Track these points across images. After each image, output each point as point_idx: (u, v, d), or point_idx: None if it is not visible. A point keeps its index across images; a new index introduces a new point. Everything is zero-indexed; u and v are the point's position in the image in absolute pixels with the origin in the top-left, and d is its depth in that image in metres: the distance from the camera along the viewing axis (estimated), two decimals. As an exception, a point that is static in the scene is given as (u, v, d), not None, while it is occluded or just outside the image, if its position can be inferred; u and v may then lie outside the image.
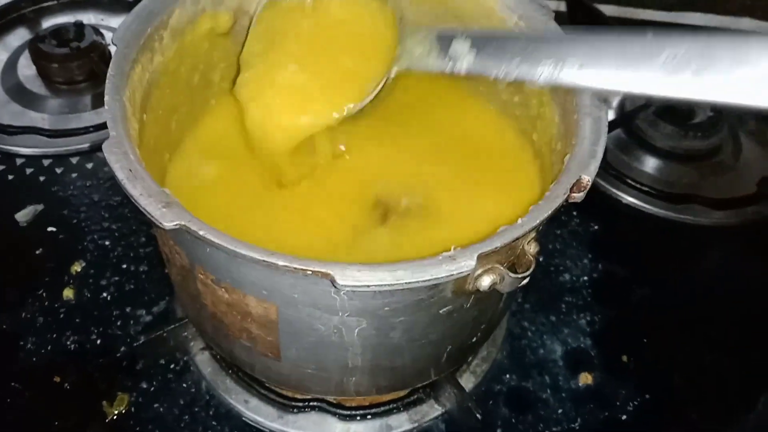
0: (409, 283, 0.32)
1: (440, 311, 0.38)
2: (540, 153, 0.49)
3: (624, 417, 0.53)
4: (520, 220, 0.35)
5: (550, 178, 0.42)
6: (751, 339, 0.59)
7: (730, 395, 0.55)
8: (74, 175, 0.67)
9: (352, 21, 0.48)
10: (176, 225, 0.33)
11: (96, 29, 0.75)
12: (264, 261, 0.32)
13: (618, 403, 0.54)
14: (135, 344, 0.52)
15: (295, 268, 0.32)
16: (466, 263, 0.33)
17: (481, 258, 0.33)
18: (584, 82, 0.36)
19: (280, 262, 0.32)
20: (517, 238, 0.34)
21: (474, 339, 0.45)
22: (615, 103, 0.75)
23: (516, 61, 0.38)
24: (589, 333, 0.58)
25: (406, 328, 0.39)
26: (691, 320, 0.60)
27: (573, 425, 0.53)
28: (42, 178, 0.66)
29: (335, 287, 0.32)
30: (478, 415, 0.48)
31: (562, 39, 0.40)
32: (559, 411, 0.53)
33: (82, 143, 0.68)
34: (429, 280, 0.32)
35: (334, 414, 0.52)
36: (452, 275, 0.32)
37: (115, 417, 0.51)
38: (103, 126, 0.70)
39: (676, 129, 0.70)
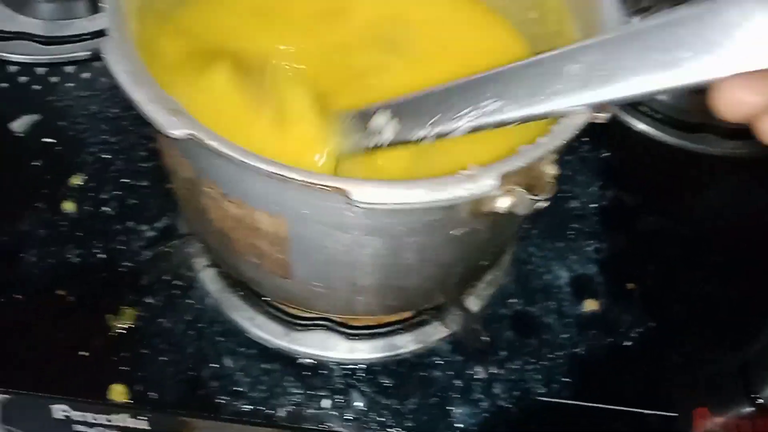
0: (428, 202, 0.31)
1: (454, 233, 0.37)
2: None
3: (628, 343, 0.54)
4: (539, 140, 0.33)
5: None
6: (757, 270, 0.58)
7: (734, 324, 0.56)
8: (70, 84, 0.64)
9: None
10: (185, 134, 0.31)
11: (90, -72, 0.70)
12: (277, 174, 0.31)
13: (622, 330, 0.54)
14: (139, 259, 0.51)
15: (309, 183, 0.31)
16: (487, 182, 0.31)
17: (502, 178, 0.32)
18: (510, 118, 0.33)
19: (294, 176, 0.31)
20: (540, 158, 0.33)
21: (484, 263, 0.45)
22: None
23: (436, 118, 0.35)
24: (595, 260, 0.58)
25: (419, 249, 0.38)
26: (698, 250, 0.60)
27: (577, 350, 0.53)
28: (37, 87, 0.63)
29: (350, 204, 0.31)
30: (484, 337, 0.48)
31: (485, 80, 0.35)
32: (564, 336, 0.53)
33: (78, 51, 0.65)
34: (448, 199, 0.31)
35: (340, 333, 0.52)
36: (473, 194, 0.31)
37: (120, 331, 0.51)
38: (99, 34, 0.67)
39: (694, 55, 0.67)
